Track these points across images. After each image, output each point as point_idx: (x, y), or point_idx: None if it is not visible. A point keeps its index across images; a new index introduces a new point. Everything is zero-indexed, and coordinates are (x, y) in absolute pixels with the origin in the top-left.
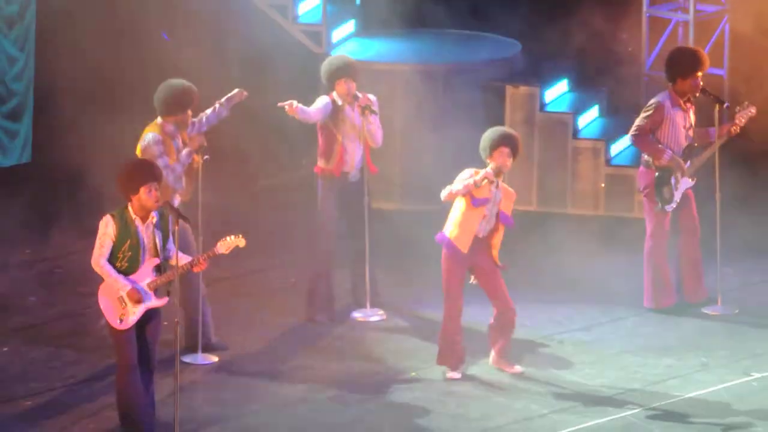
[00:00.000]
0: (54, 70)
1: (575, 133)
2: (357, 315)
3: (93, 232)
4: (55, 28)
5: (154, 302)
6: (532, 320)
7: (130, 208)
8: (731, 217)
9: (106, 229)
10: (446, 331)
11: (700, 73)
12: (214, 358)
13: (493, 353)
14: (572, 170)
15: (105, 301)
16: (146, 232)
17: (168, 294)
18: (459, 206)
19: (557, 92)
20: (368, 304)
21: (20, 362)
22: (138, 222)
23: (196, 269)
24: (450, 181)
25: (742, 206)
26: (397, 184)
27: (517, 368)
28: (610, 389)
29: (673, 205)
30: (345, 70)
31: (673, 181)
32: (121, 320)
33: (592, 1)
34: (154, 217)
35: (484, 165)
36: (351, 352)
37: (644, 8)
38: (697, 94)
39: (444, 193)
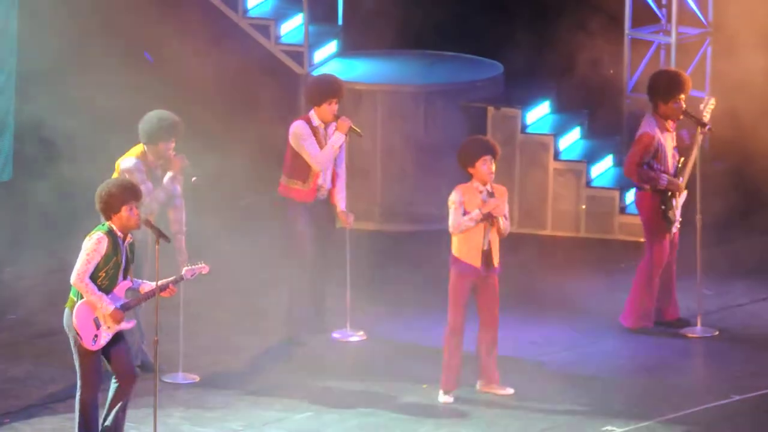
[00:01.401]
0: (36, 87)
1: (556, 154)
2: (336, 335)
3: (74, 251)
4: (38, 45)
5: (124, 325)
6: (513, 341)
7: (113, 226)
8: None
9: (98, 246)
10: (449, 350)
11: (682, 96)
12: (195, 377)
13: (482, 377)
14: (553, 192)
15: (82, 320)
16: (124, 252)
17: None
18: None
19: (539, 114)
20: (348, 324)
21: None
22: (120, 241)
23: (164, 294)
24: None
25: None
26: (378, 204)
27: (509, 390)
28: (590, 411)
29: (677, 225)
30: (339, 92)
31: (674, 201)
32: (95, 341)
33: (574, 23)
34: (131, 237)
35: (466, 176)
36: (330, 372)
37: (626, 30)
38: (680, 117)
39: (455, 230)
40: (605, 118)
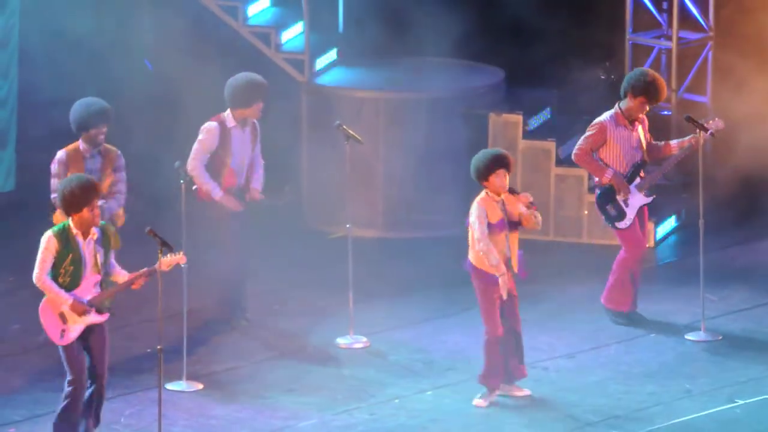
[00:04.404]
0: (38, 97)
1: (558, 160)
2: (340, 341)
3: None
4: (40, 55)
5: (93, 318)
6: None
7: (71, 224)
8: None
9: (47, 245)
10: (491, 356)
11: (648, 100)
12: (199, 386)
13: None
14: (555, 198)
15: (46, 317)
16: (87, 248)
17: (110, 310)
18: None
19: (540, 120)
20: (351, 331)
21: (3, 390)
22: (79, 237)
23: (134, 287)
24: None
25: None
26: (380, 211)
27: (525, 391)
28: (594, 416)
29: (627, 222)
30: (265, 93)
31: (620, 199)
32: (62, 336)
33: (575, 28)
34: (95, 234)
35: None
36: (334, 378)
37: (627, 35)
38: (641, 115)
39: (480, 246)
40: None
